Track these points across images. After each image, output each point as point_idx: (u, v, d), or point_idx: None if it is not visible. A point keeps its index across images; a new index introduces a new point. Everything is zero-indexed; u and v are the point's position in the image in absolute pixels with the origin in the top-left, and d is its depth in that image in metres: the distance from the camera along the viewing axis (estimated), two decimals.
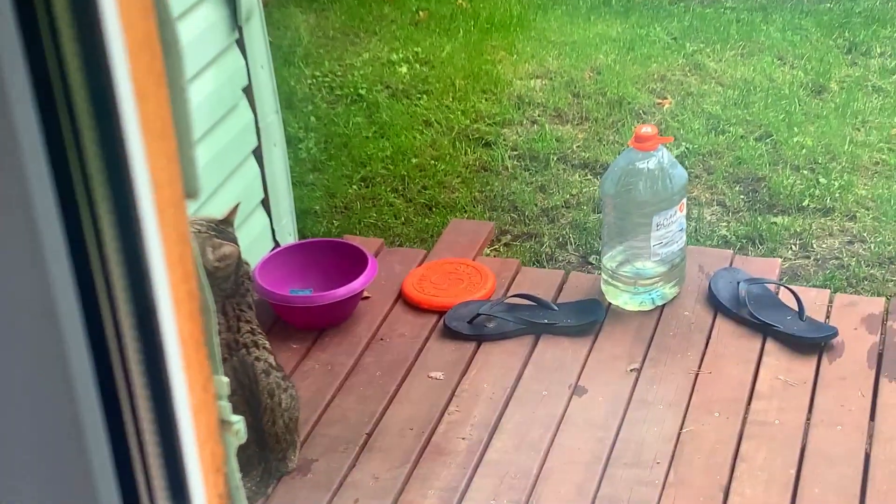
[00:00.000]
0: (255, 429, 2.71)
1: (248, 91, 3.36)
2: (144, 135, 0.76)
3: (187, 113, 0.81)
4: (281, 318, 3.27)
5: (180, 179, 0.82)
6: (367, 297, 3.35)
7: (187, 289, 0.82)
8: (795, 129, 4.60)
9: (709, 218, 4.16)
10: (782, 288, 3.28)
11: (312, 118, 4.85)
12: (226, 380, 0.88)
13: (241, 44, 3.29)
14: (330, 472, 2.79)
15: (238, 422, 0.90)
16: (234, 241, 2.83)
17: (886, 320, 3.19)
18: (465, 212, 4.22)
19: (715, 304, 3.25)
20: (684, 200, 3.20)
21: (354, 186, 4.40)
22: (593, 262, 3.88)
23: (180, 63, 0.80)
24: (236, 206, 2.94)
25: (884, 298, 3.34)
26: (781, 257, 3.91)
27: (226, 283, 2.76)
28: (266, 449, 2.74)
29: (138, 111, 0.75)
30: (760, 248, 3.98)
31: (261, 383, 2.71)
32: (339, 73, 5.15)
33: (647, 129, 3.15)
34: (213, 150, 3.22)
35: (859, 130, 4.59)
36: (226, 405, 0.89)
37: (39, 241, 0.74)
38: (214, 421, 0.88)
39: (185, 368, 0.84)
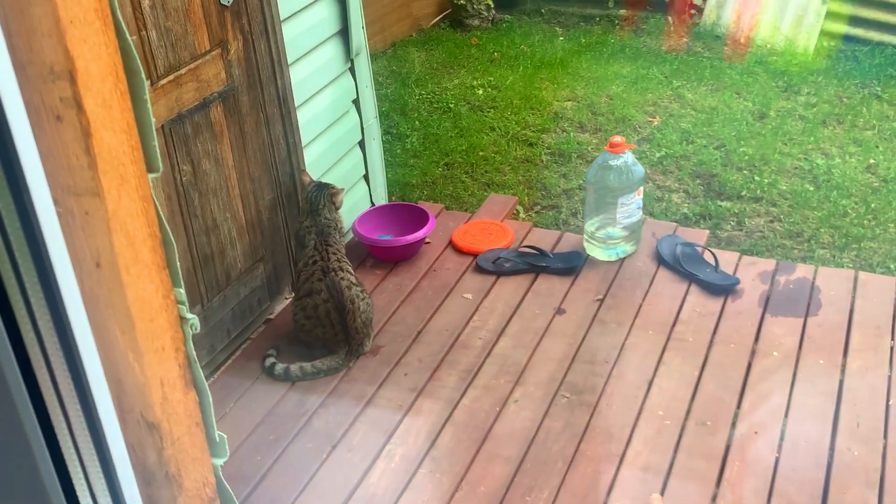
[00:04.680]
0: (342, 324, 2.76)
1: (356, 102, 3.36)
2: (110, 131, 0.77)
3: (148, 115, 0.82)
4: (371, 253, 3.30)
5: (143, 159, 0.82)
6: (428, 243, 3.36)
7: (149, 232, 0.84)
8: (742, 142, 4.45)
9: (676, 201, 4.06)
10: (706, 250, 3.20)
11: (417, 122, 4.83)
12: (183, 291, 0.88)
13: (352, 70, 3.28)
14: (391, 355, 2.83)
15: (192, 318, 0.91)
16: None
17: (775, 275, 3.09)
18: (511, 189, 4.18)
19: (659, 259, 3.19)
20: (641, 188, 3.13)
21: (440, 169, 4.38)
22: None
23: (142, 83, 0.81)
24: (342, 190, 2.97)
25: (775, 260, 3.23)
26: (723, 230, 3.81)
27: (319, 225, 2.81)
28: (350, 338, 2.78)
29: (105, 116, 0.77)
30: (709, 222, 3.87)
31: (345, 294, 2.74)
32: (437, 93, 5.11)
33: (618, 139, 3.08)
34: (330, 141, 3.23)
35: (786, 145, 4.42)
36: (184, 307, 0.90)
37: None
38: (175, 317, 0.89)
39: (149, 283, 0.85)
